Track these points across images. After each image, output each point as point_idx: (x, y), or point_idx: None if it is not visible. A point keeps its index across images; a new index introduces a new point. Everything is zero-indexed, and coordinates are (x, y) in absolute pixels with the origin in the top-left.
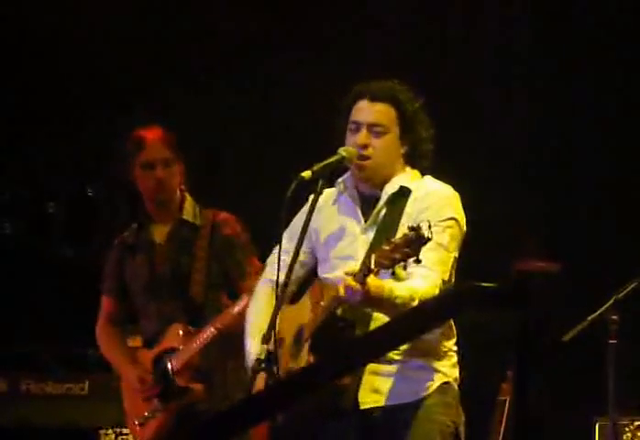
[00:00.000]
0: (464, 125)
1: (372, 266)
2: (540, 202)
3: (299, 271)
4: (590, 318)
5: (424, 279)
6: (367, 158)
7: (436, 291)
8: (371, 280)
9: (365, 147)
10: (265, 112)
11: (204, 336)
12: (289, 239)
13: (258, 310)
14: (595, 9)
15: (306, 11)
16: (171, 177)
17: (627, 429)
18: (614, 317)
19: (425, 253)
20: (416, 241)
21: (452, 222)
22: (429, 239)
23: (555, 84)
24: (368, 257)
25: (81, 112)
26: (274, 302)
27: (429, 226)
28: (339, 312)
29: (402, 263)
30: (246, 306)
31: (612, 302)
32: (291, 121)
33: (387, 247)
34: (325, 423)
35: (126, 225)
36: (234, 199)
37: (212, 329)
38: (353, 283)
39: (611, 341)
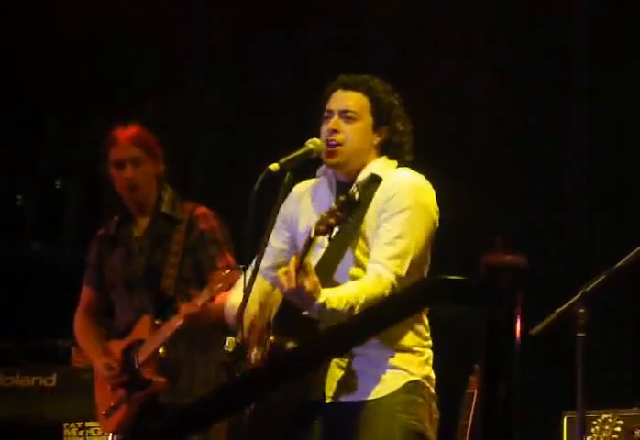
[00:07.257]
0: (440, 120)
1: (312, 235)
2: (510, 197)
3: (281, 260)
4: (557, 311)
5: (376, 277)
6: (337, 144)
7: (386, 292)
8: (312, 277)
9: (335, 132)
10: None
11: (169, 328)
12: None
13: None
14: None
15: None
16: (141, 176)
17: (595, 422)
18: (582, 310)
19: (383, 247)
20: (348, 204)
21: (410, 211)
22: (359, 201)
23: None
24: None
25: (50, 105)
26: (256, 289)
27: (357, 189)
28: None
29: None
30: (209, 298)
31: (580, 295)
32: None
33: (325, 215)
34: (295, 414)
35: (109, 217)
36: (204, 191)
37: (177, 321)
38: (291, 267)
39: (579, 334)
